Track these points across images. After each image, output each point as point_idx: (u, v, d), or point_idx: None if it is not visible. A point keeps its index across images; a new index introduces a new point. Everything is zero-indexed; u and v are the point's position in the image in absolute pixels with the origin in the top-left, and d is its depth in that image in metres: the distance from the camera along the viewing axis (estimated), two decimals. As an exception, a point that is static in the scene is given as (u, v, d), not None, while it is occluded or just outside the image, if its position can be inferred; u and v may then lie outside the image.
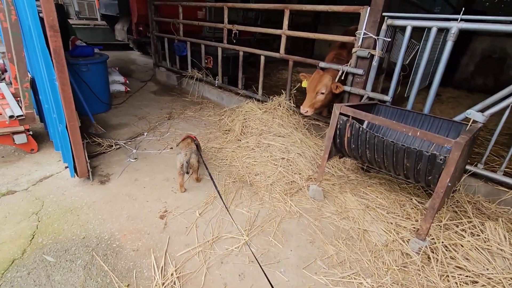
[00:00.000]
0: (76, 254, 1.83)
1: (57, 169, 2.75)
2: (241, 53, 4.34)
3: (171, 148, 3.34)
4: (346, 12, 3.06)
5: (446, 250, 1.96)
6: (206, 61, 5.26)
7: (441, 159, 1.80)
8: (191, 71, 5.44)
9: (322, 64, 3.30)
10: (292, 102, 3.80)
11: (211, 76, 5.19)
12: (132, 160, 2.99)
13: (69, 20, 9.83)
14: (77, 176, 2.50)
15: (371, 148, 2.18)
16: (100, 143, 3.24)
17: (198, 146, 2.69)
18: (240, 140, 3.42)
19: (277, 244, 2.04)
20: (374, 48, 2.86)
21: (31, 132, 2.96)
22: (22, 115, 2.78)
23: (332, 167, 3.04)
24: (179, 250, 1.92)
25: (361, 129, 2.17)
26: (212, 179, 2.39)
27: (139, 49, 9.33)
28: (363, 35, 2.87)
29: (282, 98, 3.84)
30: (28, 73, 2.88)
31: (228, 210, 2.27)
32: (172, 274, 1.71)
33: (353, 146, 2.31)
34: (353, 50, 3.00)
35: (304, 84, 3.47)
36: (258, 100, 4.22)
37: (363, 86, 3.05)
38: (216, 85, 4.99)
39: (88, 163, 2.54)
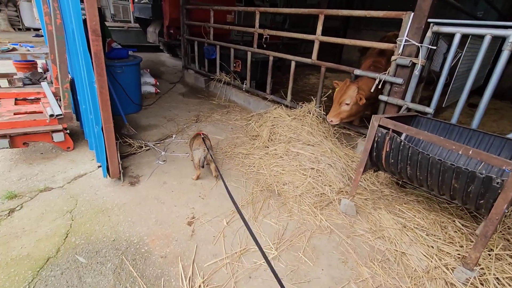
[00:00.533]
0: (106, 257, 1.84)
1: (90, 168, 2.83)
2: (271, 58, 4.28)
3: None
4: (386, 18, 2.90)
5: (498, 283, 1.76)
6: (234, 64, 5.27)
7: (497, 183, 1.62)
8: (219, 74, 5.47)
9: (357, 72, 3.16)
10: (322, 109, 3.68)
11: (239, 80, 5.19)
12: (161, 163, 3.02)
13: (105, 23, 10.34)
14: (109, 176, 2.55)
15: (413, 165, 2.02)
16: (131, 144, 3.30)
17: (209, 141, 2.88)
18: (267, 147, 3.35)
19: (307, 261, 1.94)
20: (417, 56, 2.68)
21: (68, 131, 3.08)
22: (61, 114, 2.90)
23: (365, 180, 2.88)
24: (207, 260, 1.87)
25: (402, 143, 2.02)
26: (224, 182, 2.34)
27: (169, 51, 9.59)
28: (405, 42, 2.70)
29: (312, 105, 3.73)
30: (69, 74, 3.01)
31: (246, 224, 2.20)
32: (199, 286, 1.66)
33: (392, 161, 2.16)
34: (393, 58, 2.83)
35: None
36: (287, 106, 4.14)
37: (401, 96, 2.87)
38: (243, 89, 4.97)
39: (120, 165, 2.58)
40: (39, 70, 4.86)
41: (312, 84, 7.10)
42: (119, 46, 5.00)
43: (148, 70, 5.53)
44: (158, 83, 5.31)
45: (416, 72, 2.71)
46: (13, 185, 2.49)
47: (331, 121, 3.12)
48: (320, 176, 2.81)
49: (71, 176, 2.68)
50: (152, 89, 5.20)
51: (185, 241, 2.02)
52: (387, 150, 2.14)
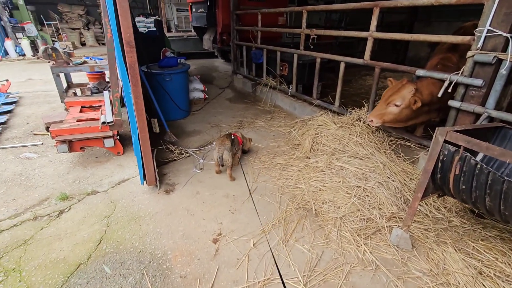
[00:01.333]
0: (129, 270, 1.83)
1: (134, 173, 2.96)
2: (318, 60, 3.95)
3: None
4: (459, 5, 2.34)
5: None
6: (281, 68, 5.06)
7: None
8: (266, 78, 5.33)
9: (420, 72, 2.63)
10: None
11: (285, 84, 4.96)
12: (198, 171, 2.99)
13: (168, 33, 11.22)
14: (146, 184, 2.61)
15: (494, 196, 1.52)
16: (173, 150, 3.38)
17: (233, 142, 2.89)
18: (308, 158, 3.05)
19: (342, 304, 1.62)
20: (504, 50, 2.08)
21: (118, 137, 3.29)
22: (111, 122, 3.11)
23: (426, 204, 2.37)
24: (226, 287, 1.71)
25: (479, 166, 1.54)
26: (247, 182, 2.12)
27: (222, 57, 9.89)
28: (487, 33, 2.12)
29: (363, 111, 3.29)
30: (121, 83, 3.22)
31: (268, 249, 1.96)
32: (213, 318, 1.51)
33: (463, 187, 1.68)
34: (469, 53, 2.26)
35: None
36: (334, 112, 3.75)
37: (481, 102, 2.27)
38: (289, 94, 4.73)
39: (156, 172, 2.62)
40: (106, 79, 5.45)
41: (368, 86, 6.43)
42: (172, 55, 5.28)
43: (198, 76, 5.71)
44: (206, 89, 5.44)
45: (503, 71, 2.10)
46: (68, 186, 2.73)
47: (371, 121, 2.66)
48: (367, 196, 2.40)
49: (116, 181, 2.84)
50: (201, 95, 5.34)
51: (208, 261, 1.90)
52: (457, 173, 1.67)
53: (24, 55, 10.50)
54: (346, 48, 9.05)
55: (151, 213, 2.36)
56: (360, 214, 2.26)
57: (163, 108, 4.33)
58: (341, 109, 3.69)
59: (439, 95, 2.43)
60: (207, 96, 5.48)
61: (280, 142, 3.69)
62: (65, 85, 5.10)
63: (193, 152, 3.35)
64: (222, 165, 2.87)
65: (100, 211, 2.39)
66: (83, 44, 13.97)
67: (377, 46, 9.58)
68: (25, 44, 10.37)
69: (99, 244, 2.04)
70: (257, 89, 5.63)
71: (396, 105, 2.56)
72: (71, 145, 3.04)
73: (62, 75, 4.94)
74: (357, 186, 2.47)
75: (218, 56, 10.08)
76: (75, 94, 5.07)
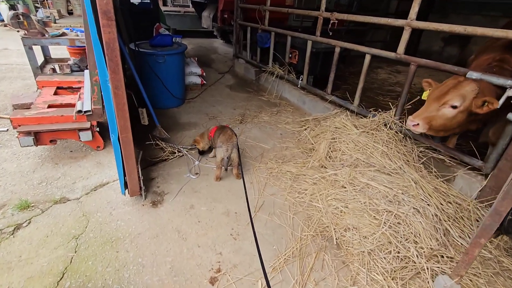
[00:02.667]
0: (97, 323, 1.37)
1: (114, 175, 2.46)
2: (337, 49, 3.40)
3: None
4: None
5: None
6: (290, 55, 4.49)
7: None
8: (272, 66, 4.76)
9: (473, 75, 2.14)
10: (404, 122, 2.73)
11: (294, 73, 4.41)
12: (193, 177, 2.51)
13: (163, 7, 10.29)
14: (128, 194, 2.11)
15: None
16: (163, 148, 2.86)
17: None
18: (325, 168, 2.59)
19: None
20: None
21: (97, 128, 2.75)
22: (89, 111, 2.55)
23: (468, 236, 1.96)
24: None
25: None
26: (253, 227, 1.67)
27: (222, 38, 9.14)
28: None
29: (389, 115, 2.81)
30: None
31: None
32: None
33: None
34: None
35: (425, 95, 2.39)
36: (352, 112, 3.27)
37: (553, 118, 1.82)
38: (299, 86, 4.19)
39: (141, 180, 2.12)
40: (91, 56, 4.77)
41: (381, 80, 5.92)
42: (167, 32, 4.62)
43: (196, 59, 5.09)
44: (204, 74, 4.84)
45: None
46: (32, 190, 2.22)
47: (416, 124, 2.19)
48: (399, 224, 1.97)
49: (92, 185, 2.33)
50: (198, 80, 4.75)
51: (203, 312, 1.46)
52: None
53: (2, 20, 9.50)
54: (356, 36, 8.44)
55: (133, 234, 1.89)
56: (393, 249, 1.83)
57: (153, 95, 3.76)
58: (361, 109, 3.21)
59: (499, 105, 1.96)
60: (204, 82, 4.89)
61: (289, 143, 3.20)
62: (41, 59, 4.43)
63: (187, 152, 2.84)
64: (226, 169, 2.44)
65: (68, 228, 1.89)
66: (70, 13, 12.88)
67: (389, 36, 9.06)
68: (3, 8, 9.36)
69: (61, 279, 1.56)
70: (261, 77, 5.06)
71: (453, 106, 2.07)
72: (38, 138, 2.49)
73: (38, 49, 4.27)
74: (387, 211, 2.03)
75: (217, 36, 9.31)
76: (54, 70, 4.41)
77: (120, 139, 1.84)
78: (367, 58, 3.02)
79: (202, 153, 2.81)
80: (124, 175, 2.00)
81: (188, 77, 4.61)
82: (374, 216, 2.02)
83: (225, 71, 5.97)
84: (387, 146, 2.57)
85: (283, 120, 3.80)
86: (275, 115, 3.98)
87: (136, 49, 3.48)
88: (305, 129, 3.34)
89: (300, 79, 4.14)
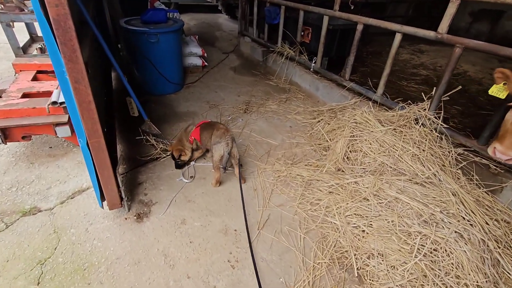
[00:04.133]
0: None
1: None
2: (359, 27, 2.86)
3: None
4: None
5: None
6: (302, 33, 3.93)
7: None
8: (281, 45, 4.22)
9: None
10: (441, 118, 2.26)
11: (306, 55, 3.88)
12: (186, 181, 2.15)
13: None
14: (107, 206, 1.77)
15: None
16: (154, 144, 2.49)
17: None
18: (342, 172, 2.18)
19: None
20: None
21: (79, 122, 2.37)
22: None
23: (523, 269, 1.58)
24: None
25: None
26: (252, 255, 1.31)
27: (227, 13, 8.46)
28: None
29: (421, 107, 2.35)
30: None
31: None
32: None
33: None
34: None
35: (499, 91, 1.83)
36: (375, 102, 2.79)
37: None
38: (311, 69, 3.69)
39: (122, 191, 1.77)
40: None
41: (403, 61, 5.30)
42: (163, 6, 4.10)
43: (196, 37, 4.57)
44: (206, 54, 4.35)
45: None
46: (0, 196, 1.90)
47: (507, 157, 1.69)
48: (438, 252, 1.59)
49: (69, 191, 2.00)
50: (199, 62, 4.28)
51: None
52: None
53: (-5, -5, 8.94)
54: (374, 10, 7.63)
55: (110, 258, 1.56)
56: (431, 285, 1.46)
57: (147, 80, 3.35)
58: (385, 99, 2.73)
59: None
60: (206, 64, 4.41)
61: (300, 138, 2.78)
62: (24, 38, 3.99)
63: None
64: (226, 169, 2.06)
65: (34, 250, 1.58)
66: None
67: (411, 11, 8.19)
68: (-5, -19, 8.75)
69: (16, 323, 1.26)
70: (269, 58, 4.53)
71: None
72: (7, 134, 2.13)
73: (22, 26, 3.85)
74: (421, 234, 1.64)
75: (222, 11, 8.62)
76: (42, 50, 3.99)
77: (89, 146, 1.47)
78: (398, 38, 2.50)
79: (180, 166, 2.24)
80: (100, 186, 1.65)
81: (187, 59, 4.13)
82: (404, 240, 1.64)
83: (229, 51, 5.43)
84: (419, 147, 2.13)
85: (293, 109, 3.35)
86: (284, 103, 3.52)
87: (126, 26, 3.01)
88: (318, 122, 2.90)
89: (313, 62, 3.63)
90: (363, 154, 2.20)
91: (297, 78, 3.99)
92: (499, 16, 7.08)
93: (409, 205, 1.77)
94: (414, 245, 1.60)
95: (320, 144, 2.59)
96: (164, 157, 2.38)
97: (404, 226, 1.69)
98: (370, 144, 2.22)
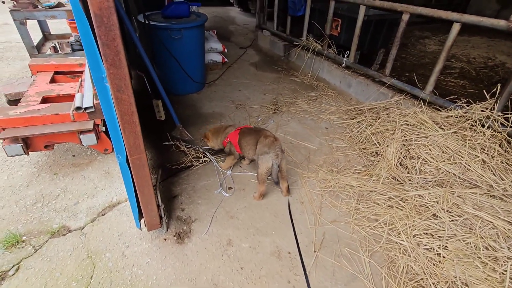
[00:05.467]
0: None
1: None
2: (405, 17, 2.58)
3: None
4: None
5: None
6: (331, 25, 3.65)
7: None
8: (306, 39, 3.95)
9: None
10: (510, 120, 2.00)
11: (335, 48, 3.61)
12: (226, 194, 1.94)
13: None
14: (145, 227, 1.57)
15: None
16: (185, 151, 2.28)
17: None
18: (399, 182, 1.95)
19: None
20: None
21: (103, 128, 2.18)
22: (91, 107, 1.97)
23: None
24: None
25: None
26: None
27: (239, 5, 8.15)
28: None
29: (484, 106, 2.08)
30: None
31: None
32: None
33: None
34: None
35: None
36: (423, 101, 2.53)
37: None
38: (343, 64, 3.42)
39: (161, 210, 1.57)
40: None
41: (432, 53, 4.96)
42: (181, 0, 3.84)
43: (215, 32, 4.33)
44: (226, 50, 4.10)
45: None
46: (23, 215, 1.73)
47: None
48: (533, 280, 1.36)
49: (99, 206, 1.81)
50: (219, 58, 4.04)
51: None
52: None
53: (3, -8, 8.77)
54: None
55: (154, 289, 1.37)
56: (533, 326, 1.24)
57: (168, 79, 3.14)
58: (436, 98, 2.46)
59: None
60: (226, 60, 4.17)
61: (339, 140, 2.55)
62: (38, 36, 3.80)
63: (215, 158, 2.25)
64: (278, 182, 1.87)
65: (68, 279, 1.40)
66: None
67: (434, -1, 7.74)
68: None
69: None
70: (291, 52, 4.27)
71: None
72: (29, 144, 1.95)
73: (34, 24, 3.68)
74: (510, 261, 1.41)
75: (233, 3, 8.31)
76: (55, 49, 3.79)
77: (130, 162, 1.26)
78: (455, 28, 2.22)
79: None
80: (139, 206, 1.45)
81: (207, 55, 3.90)
82: (491, 267, 1.41)
83: (247, 46, 5.17)
84: (487, 154, 1.88)
85: (325, 108, 3.11)
86: (314, 101, 3.28)
87: (146, 21, 2.78)
88: (359, 122, 2.65)
89: (346, 57, 3.36)
90: (422, 161, 1.96)
91: (325, 74, 3.73)
92: (531, 2, 6.65)
93: (492, 224, 1.53)
94: (504, 273, 1.37)
95: (365, 149, 2.35)
96: (196, 165, 2.18)
97: (488, 250, 1.46)
98: (430, 150, 1.97)
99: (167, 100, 2.09)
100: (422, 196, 1.75)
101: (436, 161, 1.90)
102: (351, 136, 2.58)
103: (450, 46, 2.29)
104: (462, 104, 2.22)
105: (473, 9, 7.93)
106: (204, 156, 2.23)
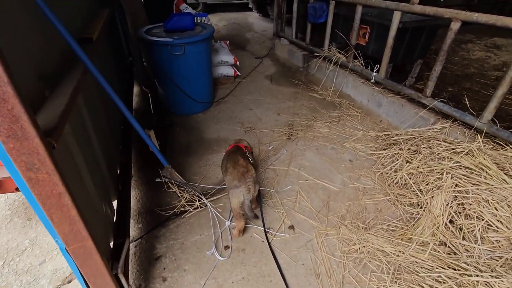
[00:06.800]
0: None
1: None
2: (455, 25, 2.04)
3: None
4: None
5: None
6: (358, 34, 3.16)
7: None
8: (328, 49, 3.48)
9: None
10: None
11: (362, 60, 3.11)
12: (220, 258, 1.54)
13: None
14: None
15: None
16: (178, 194, 1.92)
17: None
18: (453, 253, 1.44)
19: None
20: None
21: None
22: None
23: None
24: None
25: None
26: None
27: (258, 10, 7.80)
28: None
29: None
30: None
31: None
32: None
33: None
34: None
35: None
36: (477, 131, 1.98)
37: None
38: (372, 80, 2.91)
39: (128, 292, 1.20)
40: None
41: (478, 61, 4.25)
42: (188, 9, 3.54)
43: (227, 42, 3.98)
44: (238, 63, 3.73)
45: None
46: (-21, 278, 1.44)
47: None
48: None
49: (66, 269, 1.49)
50: (230, 71, 3.68)
51: None
52: None
53: None
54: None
55: None
56: None
57: (171, 98, 2.84)
58: (496, 129, 1.90)
59: None
60: (238, 73, 3.80)
61: (367, 179, 2.07)
62: None
63: (211, 204, 1.87)
64: (256, 216, 1.59)
65: None
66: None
67: (476, -3, 6.89)
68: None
69: None
70: (311, 64, 3.81)
71: None
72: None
73: None
74: None
75: (252, 8, 7.98)
76: None
77: (69, 253, 0.91)
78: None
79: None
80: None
81: (217, 68, 3.56)
82: None
83: (263, 55, 4.79)
84: None
85: (349, 133, 2.63)
86: (336, 123, 2.80)
87: (146, 37, 2.48)
88: (393, 157, 2.15)
89: (375, 71, 2.85)
90: (485, 225, 1.44)
91: (349, 89, 3.23)
92: None
93: None
94: None
95: (401, 195, 1.85)
96: (190, 212, 1.81)
97: None
98: (495, 206, 1.45)
99: (149, 142, 1.71)
100: (489, 285, 1.24)
101: (507, 227, 1.37)
102: (382, 173, 2.09)
103: (521, 64, 1.73)
104: (538, 141, 1.66)
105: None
106: (199, 200, 1.86)
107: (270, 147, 2.47)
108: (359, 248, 1.55)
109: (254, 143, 2.52)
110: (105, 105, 1.78)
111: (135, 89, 3.46)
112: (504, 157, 1.66)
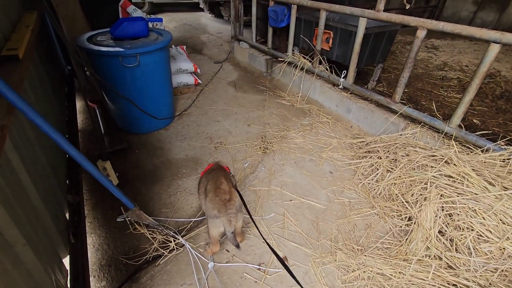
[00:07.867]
0: None
1: None
2: (421, 33, 2.08)
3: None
4: None
5: None
6: (322, 39, 3.13)
7: None
8: (293, 54, 3.40)
9: None
10: None
11: (327, 65, 3.08)
12: (209, 312, 1.30)
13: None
14: None
15: None
16: (147, 235, 1.61)
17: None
18: (450, 267, 1.42)
19: None
20: None
21: None
22: None
23: None
24: None
25: None
26: None
27: (210, 11, 7.49)
28: None
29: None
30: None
31: None
32: None
33: None
34: None
35: None
36: (446, 136, 2.05)
37: None
38: (340, 86, 2.89)
39: None
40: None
41: (422, 62, 4.60)
42: (137, 11, 3.15)
43: (184, 48, 3.65)
44: (199, 70, 3.44)
45: None
46: None
47: None
48: None
49: None
50: (191, 80, 3.38)
51: None
52: None
53: None
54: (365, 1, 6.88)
55: None
56: None
57: (125, 115, 2.46)
58: (465, 134, 1.98)
59: None
60: (199, 81, 3.52)
61: (350, 192, 2.01)
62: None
63: (189, 243, 1.61)
64: (238, 246, 1.40)
65: None
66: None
67: (413, 1, 7.55)
68: None
69: None
70: (275, 69, 3.70)
71: None
72: None
73: None
74: None
75: (204, 9, 7.63)
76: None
77: None
78: (493, 51, 1.73)
79: None
80: None
81: (176, 77, 3.23)
82: None
83: (222, 60, 4.55)
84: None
85: (323, 142, 2.56)
86: (309, 132, 2.72)
87: (91, 47, 2.08)
88: (372, 166, 2.13)
89: (342, 77, 2.83)
90: (475, 235, 1.45)
91: (317, 95, 3.19)
92: (507, 3, 6.58)
93: None
94: None
95: (388, 207, 1.82)
96: (165, 256, 1.53)
97: None
98: (483, 217, 1.47)
99: (104, 181, 1.37)
100: (493, 302, 1.23)
101: (497, 237, 1.40)
102: (364, 184, 2.05)
103: (485, 73, 1.81)
104: (502, 143, 1.75)
105: (450, 10, 7.85)
106: (174, 240, 1.58)
107: (246, 164, 2.27)
108: (359, 275, 1.45)
109: (227, 161, 2.30)
110: (41, 137, 1.40)
111: (79, 104, 2.96)
112: (477, 161, 1.71)
